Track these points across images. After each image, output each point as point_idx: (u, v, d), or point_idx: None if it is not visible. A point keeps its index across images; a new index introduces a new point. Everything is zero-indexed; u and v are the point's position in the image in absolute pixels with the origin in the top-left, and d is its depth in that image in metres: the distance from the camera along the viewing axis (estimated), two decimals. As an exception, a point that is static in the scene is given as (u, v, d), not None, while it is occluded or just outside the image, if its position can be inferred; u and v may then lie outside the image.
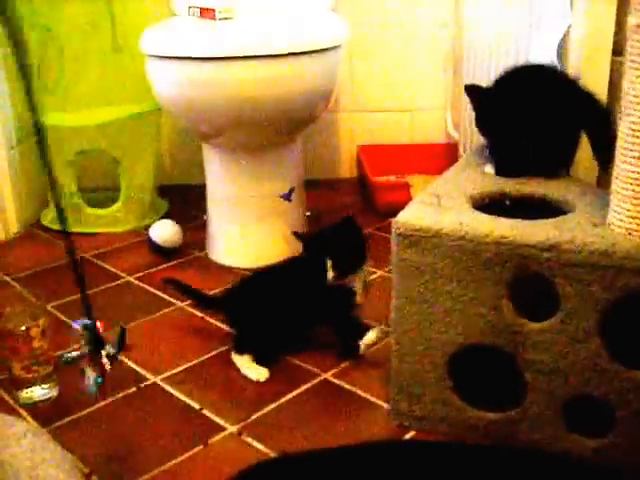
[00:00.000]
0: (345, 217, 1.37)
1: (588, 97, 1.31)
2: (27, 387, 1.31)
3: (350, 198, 2.37)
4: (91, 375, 1.20)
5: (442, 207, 1.15)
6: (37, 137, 1.15)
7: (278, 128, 1.73)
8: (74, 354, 1.23)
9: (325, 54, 1.67)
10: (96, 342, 1.20)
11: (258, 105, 1.60)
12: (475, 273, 1.08)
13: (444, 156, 2.29)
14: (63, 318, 1.59)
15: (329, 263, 1.32)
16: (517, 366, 1.10)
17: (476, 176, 1.32)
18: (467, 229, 1.07)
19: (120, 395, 1.33)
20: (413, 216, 1.12)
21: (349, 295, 1.38)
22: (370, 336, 1.38)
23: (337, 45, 1.71)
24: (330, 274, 1.32)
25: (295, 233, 1.44)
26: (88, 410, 1.29)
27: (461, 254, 1.08)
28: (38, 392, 1.32)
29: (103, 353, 1.20)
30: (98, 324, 1.21)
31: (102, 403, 1.31)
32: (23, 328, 1.27)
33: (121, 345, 1.25)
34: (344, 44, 1.76)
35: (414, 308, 1.14)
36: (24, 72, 1.11)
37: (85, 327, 1.20)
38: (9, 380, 1.33)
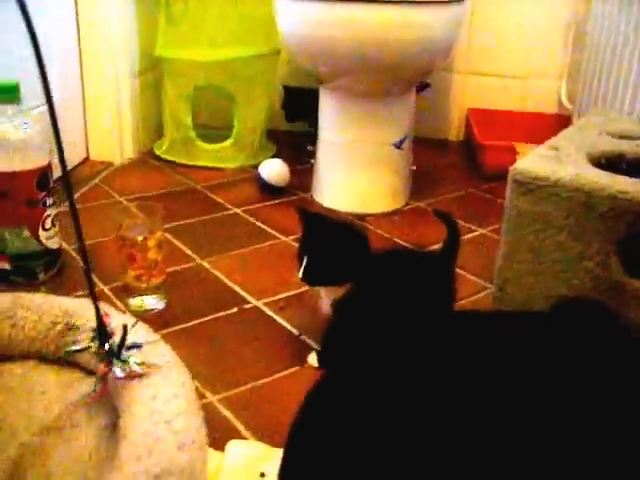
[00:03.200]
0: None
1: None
2: (138, 295, 1.38)
3: (455, 158, 2.39)
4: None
5: (560, 160, 1.16)
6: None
7: (396, 75, 1.75)
8: (77, 347, 1.03)
9: (450, 6, 1.68)
10: (100, 335, 0.94)
11: (380, 49, 1.62)
12: (587, 226, 1.08)
13: (554, 127, 2.24)
14: (174, 241, 1.67)
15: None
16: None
17: (593, 136, 1.31)
18: (584, 182, 1.07)
19: (222, 314, 1.38)
20: (531, 164, 1.13)
21: None
22: None
23: (463, -1, 1.72)
24: None
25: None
26: (190, 323, 1.35)
27: (575, 206, 1.08)
28: (148, 301, 1.38)
29: (106, 347, 0.94)
30: (104, 317, 0.94)
31: (203, 319, 1.36)
32: (141, 238, 1.33)
33: (121, 344, 0.95)
34: (469, -1, 1.76)
35: (521, 256, 1.15)
36: None
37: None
38: (122, 287, 1.41)
